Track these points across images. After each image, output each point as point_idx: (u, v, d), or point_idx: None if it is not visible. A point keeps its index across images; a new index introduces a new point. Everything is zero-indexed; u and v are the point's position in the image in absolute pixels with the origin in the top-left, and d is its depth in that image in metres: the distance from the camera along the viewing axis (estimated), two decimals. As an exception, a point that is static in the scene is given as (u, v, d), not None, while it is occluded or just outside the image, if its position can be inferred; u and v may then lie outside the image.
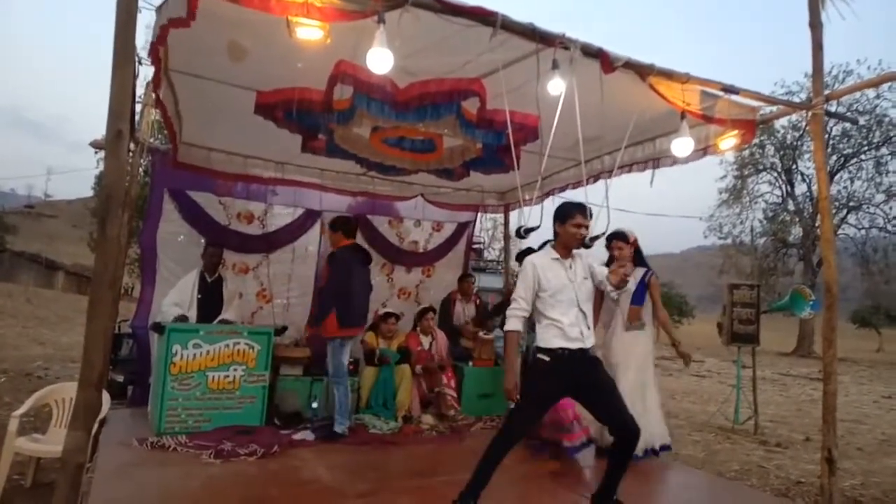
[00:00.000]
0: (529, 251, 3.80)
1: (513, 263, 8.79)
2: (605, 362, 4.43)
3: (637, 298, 4.69)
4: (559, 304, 3.29)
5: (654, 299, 4.75)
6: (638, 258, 4.72)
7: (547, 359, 3.22)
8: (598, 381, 3.36)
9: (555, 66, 3.25)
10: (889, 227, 24.94)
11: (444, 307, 6.72)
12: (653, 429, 4.52)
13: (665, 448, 4.70)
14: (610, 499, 3.36)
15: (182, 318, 5.03)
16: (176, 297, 5.27)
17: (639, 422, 3.78)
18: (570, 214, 3.36)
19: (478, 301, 6.81)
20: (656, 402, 4.74)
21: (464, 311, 6.69)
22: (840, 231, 24.96)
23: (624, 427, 3.25)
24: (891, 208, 24.70)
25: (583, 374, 3.31)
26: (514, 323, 3.31)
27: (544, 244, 3.56)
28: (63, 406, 4.52)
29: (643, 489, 3.61)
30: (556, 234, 3.44)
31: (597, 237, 3.53)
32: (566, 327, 3.29)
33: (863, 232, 25.92)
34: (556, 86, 3.30)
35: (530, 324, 3.63)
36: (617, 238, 4.66)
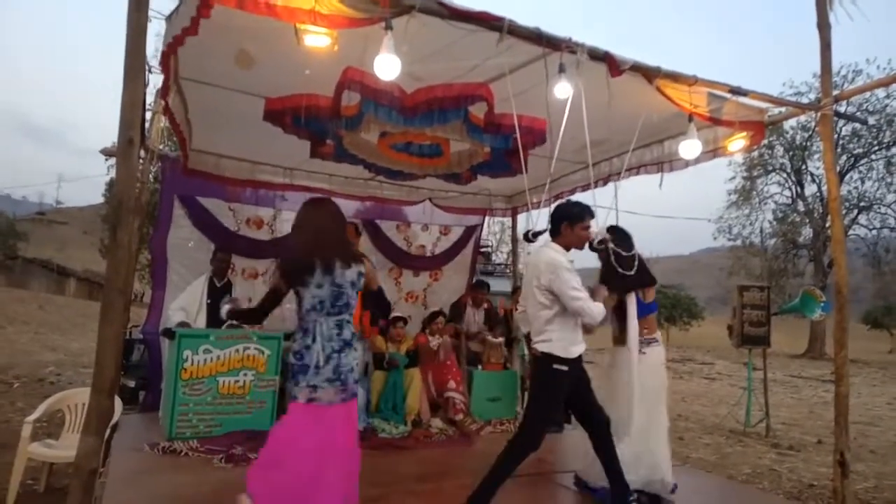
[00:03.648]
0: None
1: (521, 266, 8.80)
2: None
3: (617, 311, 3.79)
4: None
5: None
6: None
7: (565, 368, 3.22)
8: (585, 380, 3.42)
9: (561, 69, 3.26)
10: (901, 228, 24.74)
11: (455, 312, 6.74)
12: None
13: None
14: (626, 497, 3.38)
15: (184, 325, 5.05)
16: (183, 301, 5.31)
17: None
18: (580, 216, 3.34)
19: (487, 306, 6.82)
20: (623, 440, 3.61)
21: (474, 317, 6.69)
22: (851, 232, 24.76)
23: (592, 415, 3.41)
24: (902, 208, 24.51)
25: (581, 376, 3.36)
26: (595, 306, 3.20)
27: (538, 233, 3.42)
28: (76, 412, 4.56)
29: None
30: (558, 233, 3.36)
31: (604, 240, 3.53)
32: (578, 333, 3.30)
33: (874, 232, 25.74)
34: (564, 89, 3.30)
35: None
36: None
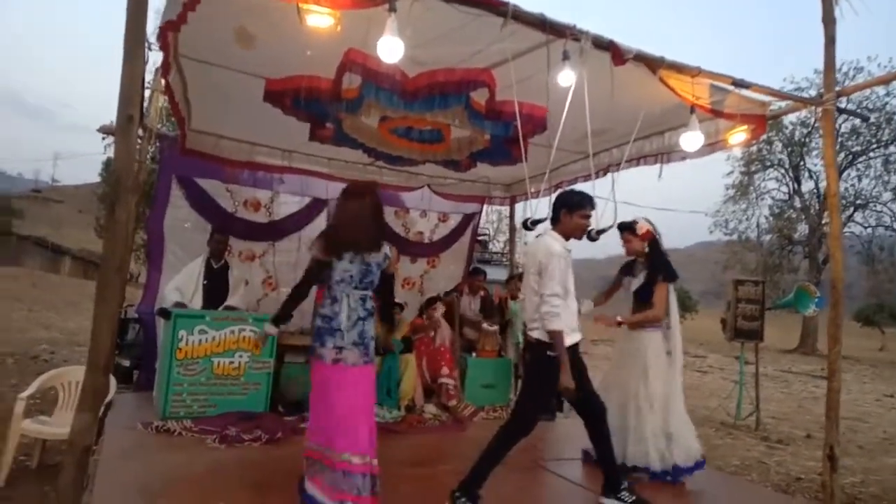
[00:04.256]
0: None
1: (518, 255, 8.80)
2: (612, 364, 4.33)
3: (643, 297, 4.12)
4: (570, 296, 3.30)
5: (653, 299, 4.05)
6: (650, 254, 4.12)
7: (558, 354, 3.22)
8: (581, 368, 3.43)
9: (565, 57, 3.24)
10: (895, 226, 24.83)
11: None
12: (641, 446, 3.93)
13: (692, 467, 3.99)
14: (619, 487, 3.42)
15: (180, 305, 5.04)
16: (179, 282, 5.29)
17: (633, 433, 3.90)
18: (580, 204, 3.34)
19: (484, 294, 6.83)
20: (647, 419, 3.97)
21: (469, 305, 6.71)
22: (846, 229, 24.80)
23: (588, 403, 3.42)
24: (898, 207, 24.61)
25: (576, 365, 3.37)
26: (560, 321, 3.15)
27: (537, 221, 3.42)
28: (69, 389, 4.56)
29: (643, 483, 3.62)
30: (558, 221, 3.37)
31: (603, 230, 3.53)
32: (572, 321, 3.30)
33: (869, 230, 25.84)
34: (566, 77, 3.29)
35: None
36: (624, 228, 4.15)
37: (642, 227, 4.12)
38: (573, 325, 3.32)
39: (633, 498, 3.38)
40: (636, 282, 4.16)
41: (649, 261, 4.13)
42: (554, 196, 3.49)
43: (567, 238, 3.37)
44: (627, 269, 4.31)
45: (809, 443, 7.16)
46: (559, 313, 3.14)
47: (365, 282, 3.12)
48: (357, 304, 3.09)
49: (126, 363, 6.12)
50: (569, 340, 3.27)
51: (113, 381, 4.48)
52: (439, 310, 6.10)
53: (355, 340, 3.05)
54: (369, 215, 3.12)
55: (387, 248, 3.21)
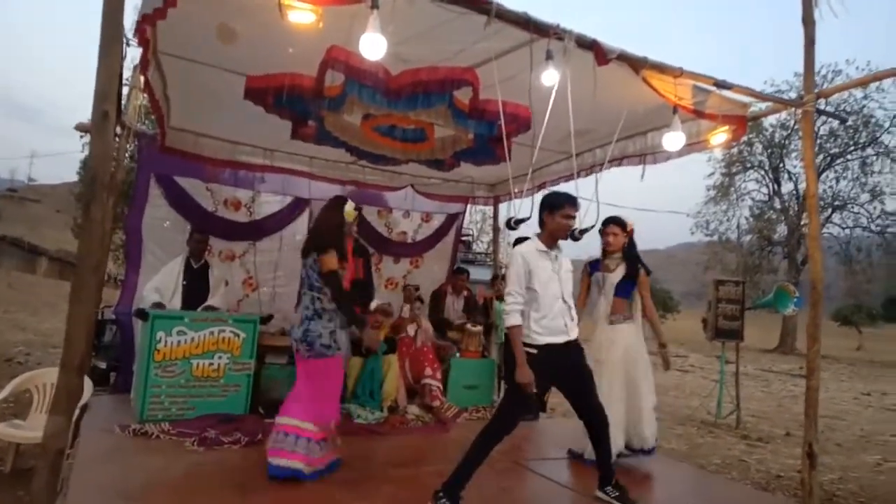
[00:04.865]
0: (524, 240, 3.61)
1: (502, 256, 8.81)
2: (589, 358, 4.45)
3: (622, 291, 4.38)
4: (544, 297, 3.29)
5: (642, 295, 4.42)
6: (629, 250, 4.41)
7: (534, 352, 3.22)
8: (578, 368, 3.45)
9: (549, 56, 3.23)
10: (873, 227, 25.31)
11: (435, 299, 6.72)
12: (642, 430, 4.28)
13: (650, 451, 4.38)
14: (610, 482, 3.49)
15: (158, 306, 4.96)
16: (158, 282, 5.20)
17: (620, 419, 4.07)
18: (560, 205, 3.34)
19: (467, 294, 6.82)
20: (647, 401, 4.34)
21: (453, 305, 6.69)
22: (824, 230, 25.18)
23: (592, 414, 3.47)
24: (875, 208, 25.11)
25: (566, 364, 3.38)
26: (515, 318, 3.21)
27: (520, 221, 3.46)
28: (44, 392, 4.48)
29: (626, 480, 3.62)
30: (542, 223, 3.39)
31: (586, 230, 3.53)
32: (550, 322, 3.30)
33: (846, 231, 26.29)
34: (550, 77, 3.28)
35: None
36: (613, 222, 4.39)
37: (630, 223, 4.44)
38: (558, 327, 3.32)
39: (617, 493, 3.46)
40: (614, 277, 4.39)
41: (628, 256, 4.40)
42: (537, 197, 3.50)
43: (554, 240, 3.39)
44: (595, 267, 4.53)
45: (789, 441, 7.24)
46: (511, 311, 3.23)
47: (308, 283, 3.61)
48: (309, 303, 3.57)
49: (103, 365, 6.02)
50: (541, 340, 3.28)
51: (89, 383, 4.40)
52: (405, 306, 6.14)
53: (299, 337, 3.52)
54: (318, 224, 3.80)
55: (314, 254, 3.60)
